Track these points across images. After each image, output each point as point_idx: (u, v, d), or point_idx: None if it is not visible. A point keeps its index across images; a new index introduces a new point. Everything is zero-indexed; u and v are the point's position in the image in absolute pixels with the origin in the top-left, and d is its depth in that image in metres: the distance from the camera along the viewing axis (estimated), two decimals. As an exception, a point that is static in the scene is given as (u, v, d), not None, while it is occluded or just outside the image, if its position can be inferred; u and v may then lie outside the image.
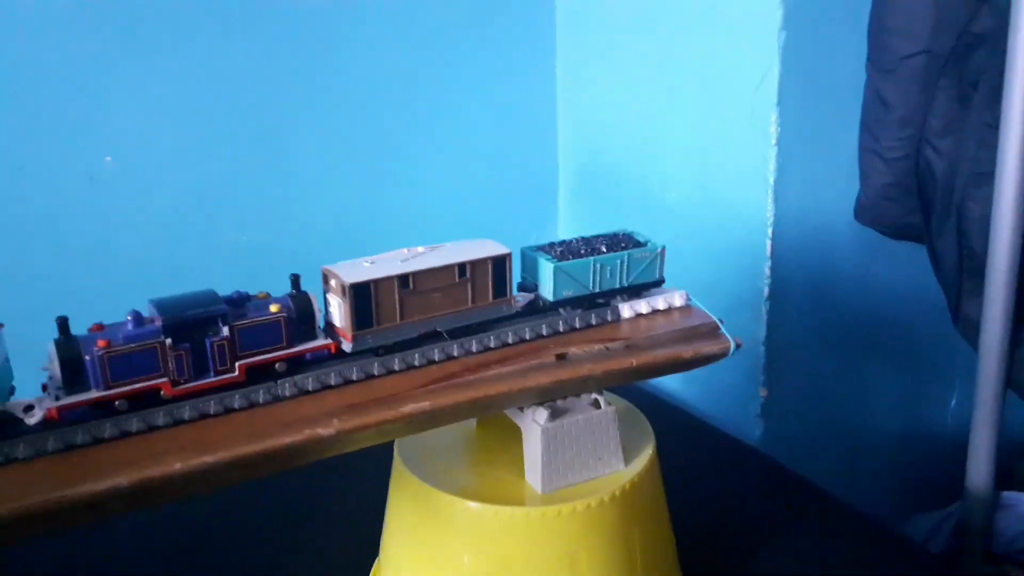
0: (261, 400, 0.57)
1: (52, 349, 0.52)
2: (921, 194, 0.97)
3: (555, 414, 0.65)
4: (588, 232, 0.72)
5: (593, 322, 0.70)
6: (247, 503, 0.89)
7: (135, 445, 0.52)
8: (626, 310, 0.71)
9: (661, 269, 0.71)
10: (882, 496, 1.22)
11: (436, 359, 0.63)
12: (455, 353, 0.64)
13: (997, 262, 0.88)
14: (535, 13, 1.25)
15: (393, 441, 0.69)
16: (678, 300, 0.73)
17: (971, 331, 0.94)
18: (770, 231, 0.99)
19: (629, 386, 0.74)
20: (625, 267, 0.69)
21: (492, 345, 0.65)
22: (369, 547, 0.75)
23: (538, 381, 0.63)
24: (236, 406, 0.56)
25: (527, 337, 0.66)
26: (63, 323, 0.52)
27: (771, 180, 0.98)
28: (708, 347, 0.68)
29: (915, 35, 0.92)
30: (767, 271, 1.01)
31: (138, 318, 0.53)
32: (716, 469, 0.96)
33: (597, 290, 0.69)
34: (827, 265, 1.05)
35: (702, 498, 0.87)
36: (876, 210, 1.00)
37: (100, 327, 0.54)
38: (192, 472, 0.51)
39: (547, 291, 0.67)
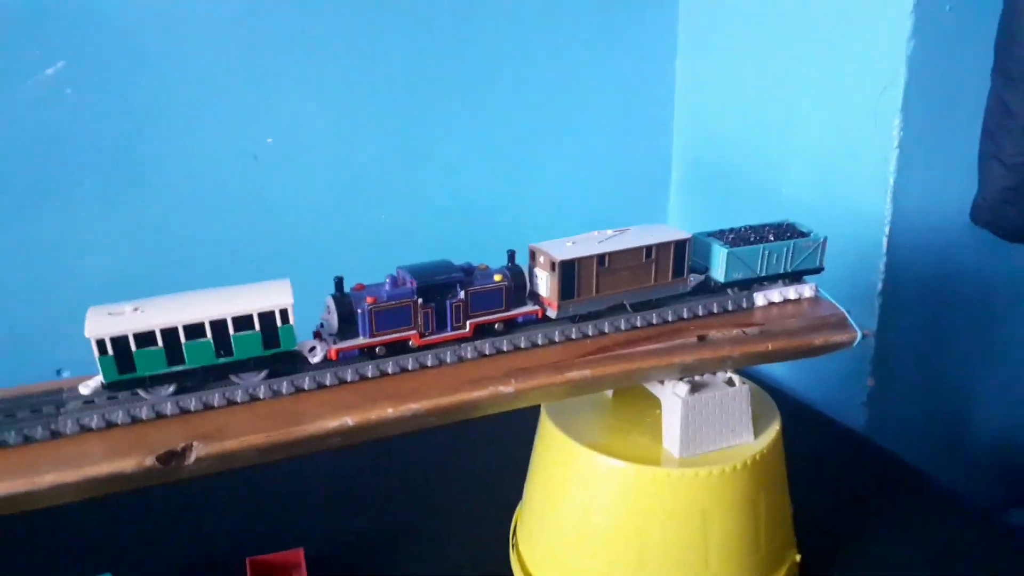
0: (487, 352, 0.68)
1: (331, 302, 0.64)
2: (1040, 199, 1.00)
3: (694, 388, 0.72)
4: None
5: (730, 308, 0.77)
6: (410, 449, 1.00)
7: (388, 384, 0.64)
8: (760, 299, 0.78)
9: (822, 258, 0.78)
10: (983, 488, 1.25)
11: (622, 328, 0.73)
12: (638, 324, 0.73)
13: (1115, 269, 0.91)
14: (658, 10, 1.31)
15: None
16: (807, 291, 0.79)
17: (1083, 334, 0.97)
18: (887, 229, 1.04)
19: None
20: (790, 254, 0.77)
21: (669, 319, 0.74)
22: (512, 495, 0.85)
23: (682, 358, 0.70)
24: (468, 356, 0.68)
25: (699, 313, 0.75)
26: (339, 282, 0.64)
27: (891, 181, 1.02)
28: (837, 336, 0.74)
29: (1044, 46, 0.95)
30: (882, 267, 1.05)
31: (393, 281, 0.65)
32: (824, 449, 1.01)
33: (764, 274, 0.77)
34: (941, 264, 1.09)
35: (811, 475, 0.92)
36: (994, 213, 1.03)
37: (362, 287, 0.66)
38: (401, 417, 0.61)
39: (719, 273, 0.76)
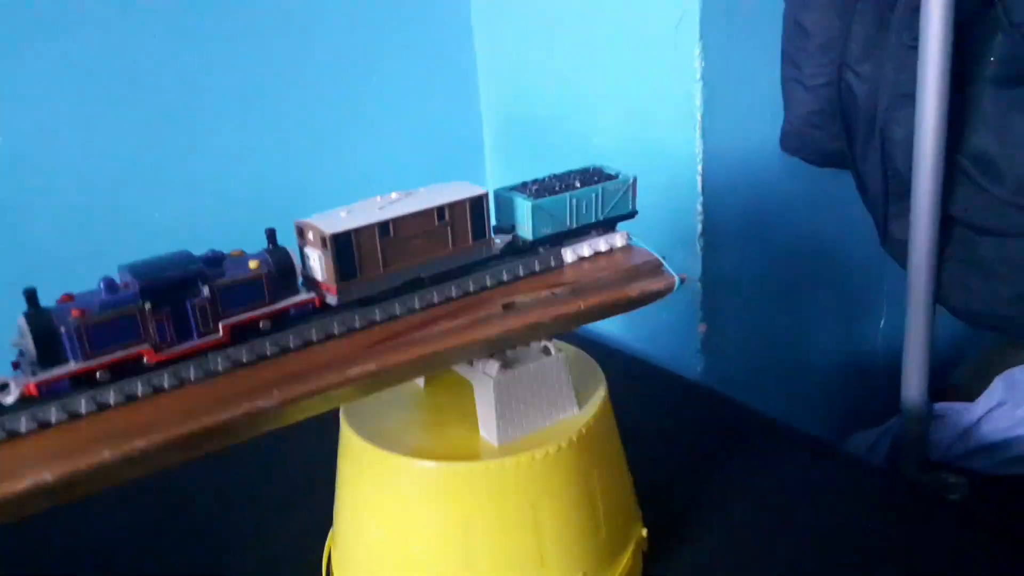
0: (245, 360, 0.55)
1: (23, 323, 0.49)
2: (844, 120, 0.98)
3: (506, 364, 0.63)
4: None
5: (537, 269, 0.68)
6: (191, 480, 0.87)
7: (111, 419, 0.50)
8: (569, 255, 0.69)
9: (634, 201, 0.71)
10: (822, 419, 1.26)
11: (416, 307, 0.62)
12: (435, 300, 0.63)
13: (921, 182, 0.90)
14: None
15: (338, 408, 0.67)
16: (619, 241, 0.72)
17: (899, 251, 0.97)
18: (700, 168, 0.99)
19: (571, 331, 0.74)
20: (600, 200, 0.69)
21: (471, 290, 0.64)
22: (322, 519, 0.73)
23: (486, 333, 0.61)
24: (219, 369, 0.54)
25: (504, 279, 0.66)
26: (31, 295, 0.49)
27: (698, 116, 0.98)
28: (653, 284, 0.67)
29: (830, -40, 0.92)
30: (699, 208, 1.01)
31: (111, 284, 0.50)
32: (661, 405, 0.97)
33: (575, 225, 0.68)
34: (758, 198, 1.07)
35: (651, 435, 0.87)
36: (801, 138, 1.01)
37: (70, 297, 0.51)
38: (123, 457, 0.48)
39: (526, 231, 0.66)
